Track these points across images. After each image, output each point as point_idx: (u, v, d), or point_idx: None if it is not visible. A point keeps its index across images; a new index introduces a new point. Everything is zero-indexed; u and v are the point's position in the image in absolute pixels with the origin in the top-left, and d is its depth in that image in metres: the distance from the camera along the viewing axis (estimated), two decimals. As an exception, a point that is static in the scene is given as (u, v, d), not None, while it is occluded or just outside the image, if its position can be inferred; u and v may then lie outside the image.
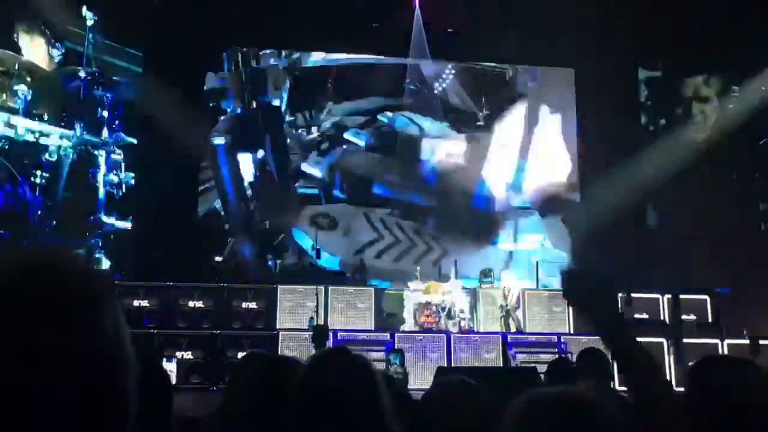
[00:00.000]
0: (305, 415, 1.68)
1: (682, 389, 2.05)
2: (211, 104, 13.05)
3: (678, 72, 13.08)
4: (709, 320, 10.19)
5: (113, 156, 10.00)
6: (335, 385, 1.69)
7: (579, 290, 1.72)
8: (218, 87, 13.10)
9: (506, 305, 10.04)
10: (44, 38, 9.79)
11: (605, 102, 12.66)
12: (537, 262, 11.52)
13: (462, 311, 9.98)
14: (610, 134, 12.28)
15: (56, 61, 10.01)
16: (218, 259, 11.77)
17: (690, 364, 2.19)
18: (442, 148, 13.68)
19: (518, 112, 13.91)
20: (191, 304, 9.23)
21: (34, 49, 9.68)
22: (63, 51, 10.00)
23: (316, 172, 13.40)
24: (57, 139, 9.49)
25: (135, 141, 10.41)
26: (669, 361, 9.32)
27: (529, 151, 13.76)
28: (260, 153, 12.96)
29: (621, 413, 1.46)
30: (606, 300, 1.70)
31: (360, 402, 1.68)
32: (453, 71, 13.84)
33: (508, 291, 10.18)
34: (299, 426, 1.69)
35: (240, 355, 8.26)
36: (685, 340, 9.37)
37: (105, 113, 9.98)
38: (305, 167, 13.38)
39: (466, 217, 13.22)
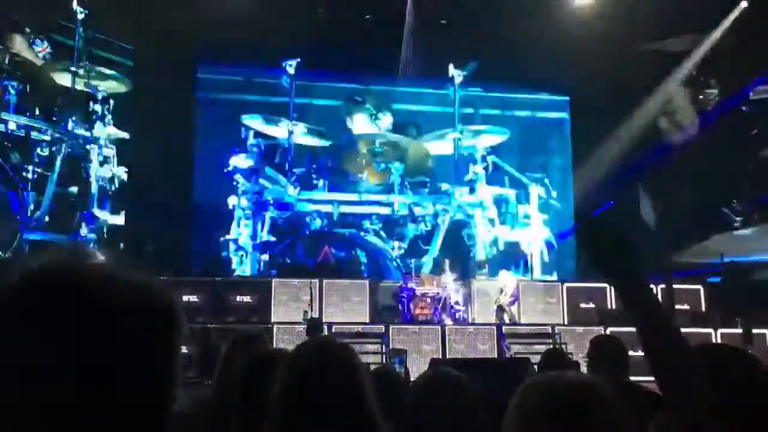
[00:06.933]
0: (288, 408, 1.68)
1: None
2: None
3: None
4: (703, 310, 10.22)
5: (105, 151, 9.92)
6: (315, 378, 1.68)
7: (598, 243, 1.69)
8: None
9: (500, 301, 10.00)
10: (22, 35, 9.69)
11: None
12: (531, 253, 11.49)
13: (457, 303, 9.96)
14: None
15: (43, 55, 9.91)
16: None
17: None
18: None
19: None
20: (185, 297, 9.20)
21: (17, 47, 9.58)
22: (46, 44, 9.89)
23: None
24: (48, 134, 9.41)
25: (127, 135, 10.33)
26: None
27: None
28: None
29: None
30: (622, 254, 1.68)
31: (341, 395, 1.67)
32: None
33: (505, 286, 10.14)
34: (282, 419, 1.68)
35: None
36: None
37: (97, 107, 9.87)
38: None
39: None
